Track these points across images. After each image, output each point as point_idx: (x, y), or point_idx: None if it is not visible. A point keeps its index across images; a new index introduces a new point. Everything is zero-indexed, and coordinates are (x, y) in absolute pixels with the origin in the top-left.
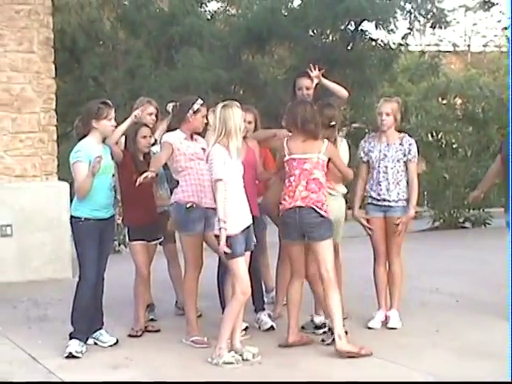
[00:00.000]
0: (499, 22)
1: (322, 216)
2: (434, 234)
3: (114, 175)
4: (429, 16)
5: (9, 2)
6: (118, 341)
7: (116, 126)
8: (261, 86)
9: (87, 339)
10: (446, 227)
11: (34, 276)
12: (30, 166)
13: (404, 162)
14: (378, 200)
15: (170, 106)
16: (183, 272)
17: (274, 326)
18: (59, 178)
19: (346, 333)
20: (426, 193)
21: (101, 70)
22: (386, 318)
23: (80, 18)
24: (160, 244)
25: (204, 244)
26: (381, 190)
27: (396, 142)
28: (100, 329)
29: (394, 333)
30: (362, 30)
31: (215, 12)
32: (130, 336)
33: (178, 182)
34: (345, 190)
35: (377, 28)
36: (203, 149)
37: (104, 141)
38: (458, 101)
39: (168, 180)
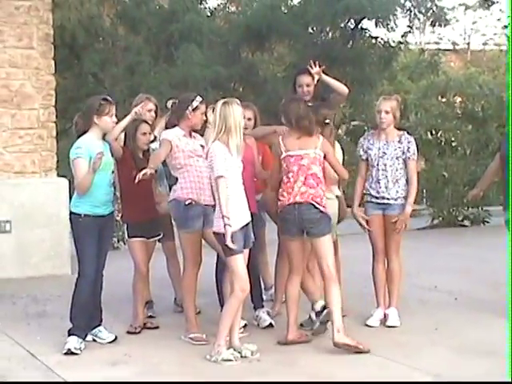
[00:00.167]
0: (499, 20)
1: (321, 212)
2: (432, 232)
3: (113, 172)
4: (429, 14)
5: None
6: (116, 337)
7: (116, 123)
8: (260, 83)
9: (86, 336)
10: (444, 225)
11: (33, 272)
12: (30, 162)
13: (403, 159)
14: (377, 198)
15: (169, 103)
16: (182, 269)
17: (273, 323)
18: (58, 175)
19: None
20: (425, 191)
21: (100, 67)
22: (385, 315)
23: (80, 14)
24: (159, 241)
25: (203, 241)
26: (380, 187)
27: (395, 139)
28: (99, 325)
29: (392, 331)
30: (361, 27)
31: (215, 9)
32: (128, 333)
33: (177, 179)
34: (339, 193)
35: (376, 26)
36: (202, 146)
37: (104, 137)
38: (458, 99)
39: (167, 177)
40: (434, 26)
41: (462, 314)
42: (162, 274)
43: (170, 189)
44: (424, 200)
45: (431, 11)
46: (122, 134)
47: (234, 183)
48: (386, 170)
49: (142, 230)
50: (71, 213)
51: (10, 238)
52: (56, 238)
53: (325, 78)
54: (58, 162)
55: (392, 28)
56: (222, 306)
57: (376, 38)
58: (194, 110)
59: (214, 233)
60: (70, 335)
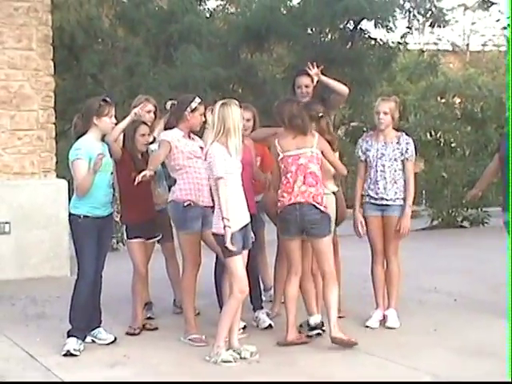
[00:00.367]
0: (498, 21)
1: (322, 212)
2: (432, 233)
3: (112, 173)
4: (428, 15)
5: None
6: (115, 339)
7: (115, 124)
8: (259, 84)
9: (85, 337)
10: (444, 226)
11: (32, 273)
12: (29, 163)
13: (401, 160)
14: (376, 199)
15: (168, 104)
16: (181, 270)
17: (272, 324)
18: (57, 176)
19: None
20: (424, 192)
21: (99, 68)
22: (384, 317)
23: (79, 15)
24: (158, 242)
25: (202, 242)
26: (378, 188)
27: (393, 140)
28: (98, 327)
29: (392, 332)
30: (360, 28)
31: (214, 10)
32: (127, 334)
33: (175, 180)
34: (335, 188)
35: (376, 27)
36: (201, 147)
37: (103, 139)
38: (457, 100)
39: (166, 178)
40: (433, 26)
41: (462, 314)
42: (162, 275)
43: (170, 190)
44: (423, 201)
45: (430, 12)
46: (121, 136)
47: (234, 184)
48: (385, 171)
49: (141, 231)
50: (70, 214)
51: (9, 239)
52: (55, 240)
53: (323, 78)
54: (57, 163)
55: (391, 29)
56: (221, 307)
57: (375, 38)
58: (192, 111)
59: (213, 234)
60: (69, 336)
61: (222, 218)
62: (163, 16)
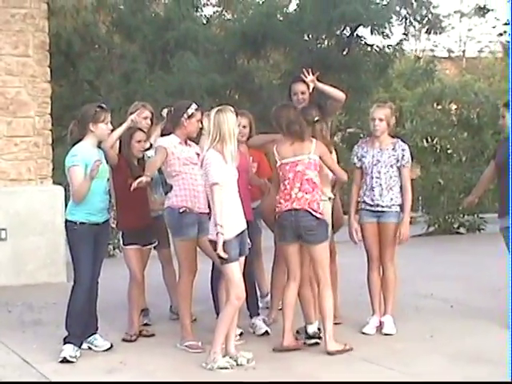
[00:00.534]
0: (494, 27)
1: (317, 218)
2: (428, 240)
3: (108, 179)
4: (424, 21)
5: (4, 5)
6: (112, 345)
7: (112, 131)
8: (256, 91)
9: (81, 344)
10: (440, 232)
11: (28, 280)
12: (25, 169)
13: (397, 167)
14: (372, 205)
15: (164, 112)
16: (177, 276)
17: (269, 331)
18: (54, 182)
19: None
20: (420, 198)
21: (96, 74)
22: (381, 323)
23: (75, 22)
24: (154, 248)
25: (198, 249)
26: (374, 195)
27: (389, 147)
28: (94, 333)
29: (388, 338)
30: (357, 35)
31: (211, 16)
32: (124, 340)
33: (172, 187)
34: (332, 195)
35: (372, 33)
36: (197, 154)
37: (99, 145)
38: (453, 106)
39: (163, 184)
40: (430, 33)
41: (458, 321)
42: (158, 282)
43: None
44: (420, 207)
45: (426, 18)
46: (117, 142)
47: (230, 191)
48: (380, 178)
49: (137, 237)
50: (67, 220)
51: (5, 246)
52: (51, 246)
53: (319, 85)
54: (53, 169)
55: (387, 35)
56: (217, 313)
57: (371, 45)
58: (189, 117)
59: (209, 241)
60: (65, 343)
61: (215, 225)
62: (160, 23)
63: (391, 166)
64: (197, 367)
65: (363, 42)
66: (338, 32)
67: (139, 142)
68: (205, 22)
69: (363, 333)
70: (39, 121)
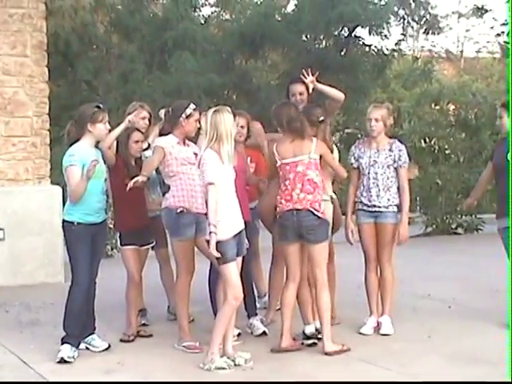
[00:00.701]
0: (492, 28)
1: (319, 218)
2: (426, 240)
3: (106, 179)
4: (422, 22)
5: (2, 5)
6: (109, 346)
7: (109, 131)
8: (254, 91)
9: (79, 344)
10: (438, 233)
11: (25, 280)
12: (23, 169)
13: (394, 168)
14: (369, 206)
15: (162, 112)
16: (175, 277)
17: (267, 331)
18: (52, 182)
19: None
20: (418, 198)
21: (94, 74)
22: (378, 324)
23: (73, 22)
24: (152, 249)
25: (196, 249)
26: (371, 196)
27: (386, 147)
28: (92, 333)
29: (386, 339)
30: (355, 35)
31: (209, 17)
32: (121, 341)
33: (169, 187)
34: (333, 195)
35: (370, 34)
36: (195, 154)
37: (97, 145)
38: (451, 107)
39: (160, 185)
40: (428, 33)
41: (456, 321)
42: (156, 282)
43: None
44: (418, 208)
45: (425, 19)
46: (115, 142)
47: (227, 191)
48: (377, 179)
49: (135, 237)
50: (64, 221)
51: (2, 246)
52: (49, 246)
53: (319, 86)
54: (51, 169)
55: (385, 36)
56: (215, 314)
57: (369, 45)
58: (187, 117)
59: (206, 241)
60: (63, 343)
61: (209, 224)
62: (158, 23)
63: (388, 166)
64: (194, 368)
65: (361, 43)
66: (336, 32)
67: (137, 142)
68: (203, 22)
69: (361, 333)
70: (37, 121)
